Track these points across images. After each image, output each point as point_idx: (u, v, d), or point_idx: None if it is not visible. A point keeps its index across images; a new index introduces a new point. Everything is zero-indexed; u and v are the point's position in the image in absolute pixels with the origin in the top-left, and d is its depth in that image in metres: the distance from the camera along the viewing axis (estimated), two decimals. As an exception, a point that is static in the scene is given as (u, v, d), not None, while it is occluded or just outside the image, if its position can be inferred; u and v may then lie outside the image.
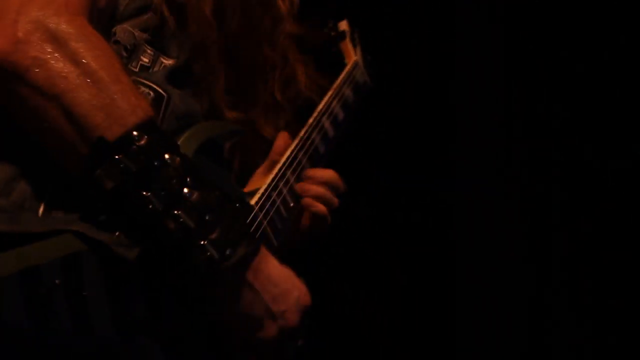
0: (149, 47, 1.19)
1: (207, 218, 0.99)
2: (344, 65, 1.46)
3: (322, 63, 1.40)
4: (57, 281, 0.92)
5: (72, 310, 0.94)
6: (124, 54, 1.16)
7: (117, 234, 0.97)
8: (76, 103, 0.98)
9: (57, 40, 0.99)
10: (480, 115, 2.88)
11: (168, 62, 1.20)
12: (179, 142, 1.10)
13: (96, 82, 1.00)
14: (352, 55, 1.49)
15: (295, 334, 1.07)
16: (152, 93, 1.15)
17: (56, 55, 0.99)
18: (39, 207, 1.03)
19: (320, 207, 1.29)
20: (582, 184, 2.88)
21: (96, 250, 0.96)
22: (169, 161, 1.00)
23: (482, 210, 2.85)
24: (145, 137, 0.99)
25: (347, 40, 1.51)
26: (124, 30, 1.17)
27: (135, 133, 0.98)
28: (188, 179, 1.00)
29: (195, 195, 1.00)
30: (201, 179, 1.02)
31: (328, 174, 1.33)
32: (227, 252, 0.98)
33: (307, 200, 1.28)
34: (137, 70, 1.17)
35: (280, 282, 1.05)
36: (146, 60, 1.19)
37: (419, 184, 2.64)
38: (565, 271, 2.86)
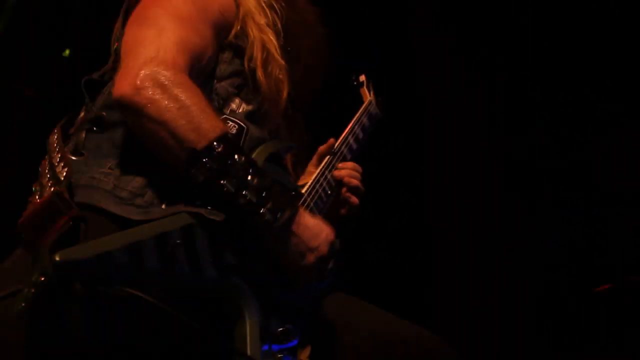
0: (236, 97, 1.59)
1: (264, 194, 1.34)
2: (362, 103, 1.97)
3: (348, 102, 1.90)
4: (178, 241, 1.27)
5: (188, 260, 1.27)
6: (220, 101, 1.56)
7: (209, 207, 1.33)
8: (176, 126, 1.33)
9: (163, 86, 1.34)
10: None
11: (249, 107, 1.61)
12: (254, 154, 1.48)
13: (189, 113, 1.34)
14: (368, 96, 2.01)
15: (327, 258, 1.44)
16: (236, 126, 1.52)
17: (162, 96, 1.33)
18: (163, 204, 1.39)
19: (353, 181, 1.77)
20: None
21: (200, 220, 1.30)
22: (237, 160, 1.34)
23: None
24: (222, 145, 1.34)
25: (364, 87, 2.03)
26: (221, 87, 1.57)
27: (215, 143, 1.33)
28: (250, 170, 1.35)
29: (255, 180, 1.34)
30: (259, 169, 1.37)
31: (351, 163, 1.82)
32: (278, 215, 1.34)
33: (344, 178, 1.77)
34: (228, 112, 1.56)
35: (313, 228, 1.43)
36: (234, 106, 1.59)
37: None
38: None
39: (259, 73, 1.60)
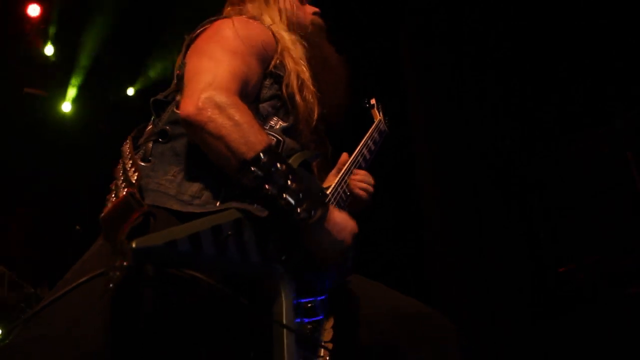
0: (275, 116, 1.82)
1: (300, 196, 1.53)
2: (373, 122, 2.32)
3: (363, 121, 2.23)
4: (230, 232, 1.45)
5: (238, 248, 1.46)
6: (261, 119, 1.78)
7: (255, 205, 1.51)
8: (230, 140, 1.52)
9: (220, 107, 1.53)
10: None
11: (284, 124, 1.84)
12: (290, 160, 1.67)
13: (240, 129, 1.53)
14: (378, 116, 2.35)
15: (351, 249, 1.66)
16: (275, 139, 1.75)
17: (219, 115, 1.52)
18: (217, 203, 1.60)
19: (365, 186, 2.01)
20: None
21: (247, 215, 1.49)
22: (279, 167, 1.53)
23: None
24: (267, 156, 1.53)
25: (375, 108, 2.36)
26: (262, 107, 1.80)
27: (261, 154, 1.52)
28: (290, 176, 1.54)
29: (294, 185, 1.53)
30: (297, 176, 1.56)
31: (363, 171, 2.08)
32: (312, 213, 1.54)
33: (356, 184, 2.01)
34: (267, 127, 1.78)
35: (341, 223, 1.64)
36: (272, 123, 1.82)
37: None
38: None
39: (297, 98, 1.84)
